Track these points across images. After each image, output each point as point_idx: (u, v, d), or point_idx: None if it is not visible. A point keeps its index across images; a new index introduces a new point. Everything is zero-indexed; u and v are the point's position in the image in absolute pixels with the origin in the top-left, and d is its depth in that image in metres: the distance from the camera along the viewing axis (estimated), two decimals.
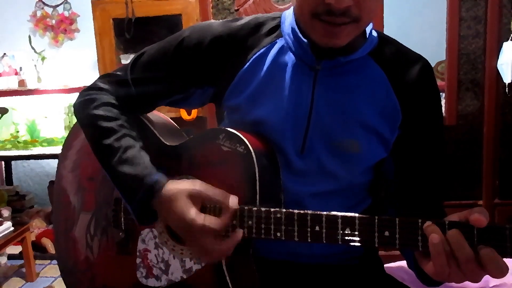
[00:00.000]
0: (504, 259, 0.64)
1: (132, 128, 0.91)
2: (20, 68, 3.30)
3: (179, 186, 0.80)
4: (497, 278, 0.63)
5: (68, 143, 1.07)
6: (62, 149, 1.08)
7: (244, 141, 0.81)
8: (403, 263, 1.65)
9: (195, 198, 0.79)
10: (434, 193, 0.90)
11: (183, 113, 2.60)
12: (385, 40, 0.90)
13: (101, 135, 0.88)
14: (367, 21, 0.80)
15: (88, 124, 0.92)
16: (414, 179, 0.89)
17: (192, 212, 0.77)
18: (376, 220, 0.69)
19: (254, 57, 0.88)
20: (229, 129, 0.83)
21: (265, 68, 0.87)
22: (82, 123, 0.94)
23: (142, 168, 0.84)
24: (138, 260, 0.92)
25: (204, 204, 0.80)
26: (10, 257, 2.84)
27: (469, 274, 0.64)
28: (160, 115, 1.08)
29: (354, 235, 0.71)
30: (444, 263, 0.65)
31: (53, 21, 3.44)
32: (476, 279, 0.64)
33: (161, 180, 0.82)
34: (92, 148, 0.91)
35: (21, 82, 3.20)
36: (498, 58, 2.17)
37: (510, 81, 2.13)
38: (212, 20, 0.93)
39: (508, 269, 0.63)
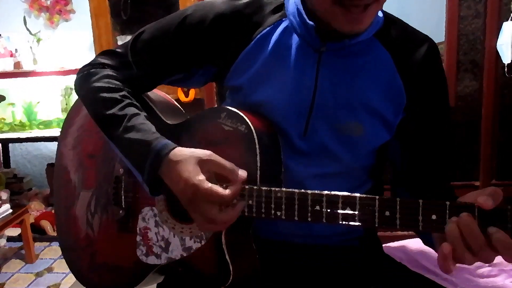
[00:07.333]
0: None
1: (135, 99, 0.90)
2: (16, 50, 3.26)
3: (189, 151, 0.77)
4: (509, 262, 0.63)
5: (69, 120, 1.07)
6: (62, 127, 1.07)
7: (246, 120, 0.80)
8: (401, 243, 1.67)
9: (205, 166, 0.76)
10: (441, 174, 0.90)
11: (180, 95, 2.58)
12: (391, 20, 0.88)
13: (104, 106, 0.86)
14: None
15: (89, 98, 0.91)
16: (421, 161, 0.89)
17: (200, 176, 0.74)
18: (377, 201, 0.69)
19: (258, 36, 0.86)
20: (230, 108, 0.83)
21: (269, 48, 0.86)
22: (83, 97, 0.93)
23: (149, 133, 0.81)
24: (138, 238, 0.92)
25: (212, 173, 0.77)
26: (9, 239, 2.84)
27: (483, 258, 0.63)
28: (161, 93, 1.07)
29: (354, 215, 0.71)
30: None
31: (48, 2, 3.38)
32: (489, 261, 0.64)
33: (169, 144, 0.79)
34: (96, 121, 0.89)
35: (17, 64, 3.16)
36: (497, 38, 2.15)
37: (509, 62, 2.12)
38: None
39: None
